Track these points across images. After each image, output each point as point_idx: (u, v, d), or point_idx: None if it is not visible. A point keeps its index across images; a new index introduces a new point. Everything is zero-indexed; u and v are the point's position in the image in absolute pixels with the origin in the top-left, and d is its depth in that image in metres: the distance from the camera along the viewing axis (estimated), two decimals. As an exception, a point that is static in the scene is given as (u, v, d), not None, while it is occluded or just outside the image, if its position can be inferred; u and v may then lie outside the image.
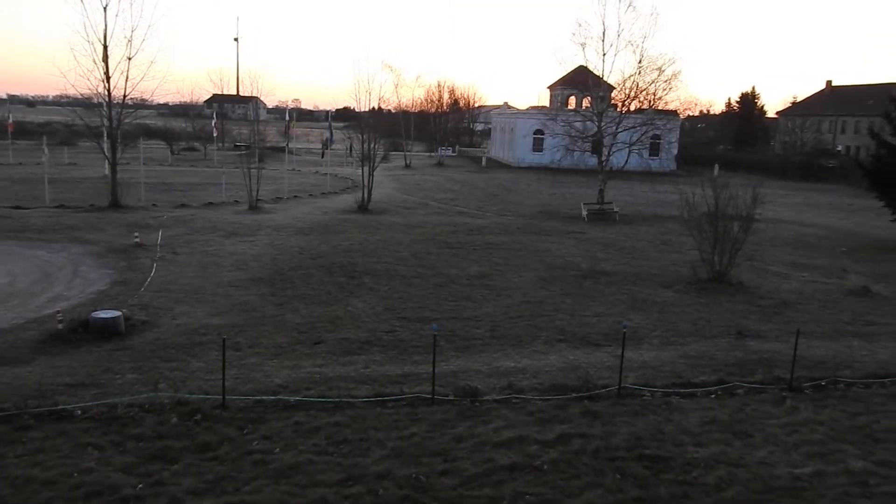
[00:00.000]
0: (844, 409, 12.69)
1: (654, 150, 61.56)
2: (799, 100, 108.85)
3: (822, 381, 13.95)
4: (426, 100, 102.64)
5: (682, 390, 13.25)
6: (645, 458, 10.43)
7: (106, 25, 33.25)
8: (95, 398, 11.95)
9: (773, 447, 10.97)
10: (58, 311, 16.25)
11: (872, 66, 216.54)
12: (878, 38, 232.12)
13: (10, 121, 61.44)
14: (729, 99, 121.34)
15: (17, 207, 33.36)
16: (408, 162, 71.11)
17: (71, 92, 35.26)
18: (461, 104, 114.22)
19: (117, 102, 34.77)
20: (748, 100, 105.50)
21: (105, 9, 33.08)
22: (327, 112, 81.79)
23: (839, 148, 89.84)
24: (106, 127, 36.18)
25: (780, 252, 28.99)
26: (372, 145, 39.92)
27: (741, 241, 22.39)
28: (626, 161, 41.98)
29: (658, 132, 54.12)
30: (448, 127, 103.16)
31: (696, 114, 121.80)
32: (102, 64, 33.61)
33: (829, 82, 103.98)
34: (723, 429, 11.58)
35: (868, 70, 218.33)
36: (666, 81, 42.41)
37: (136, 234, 26.58)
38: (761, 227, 28.42)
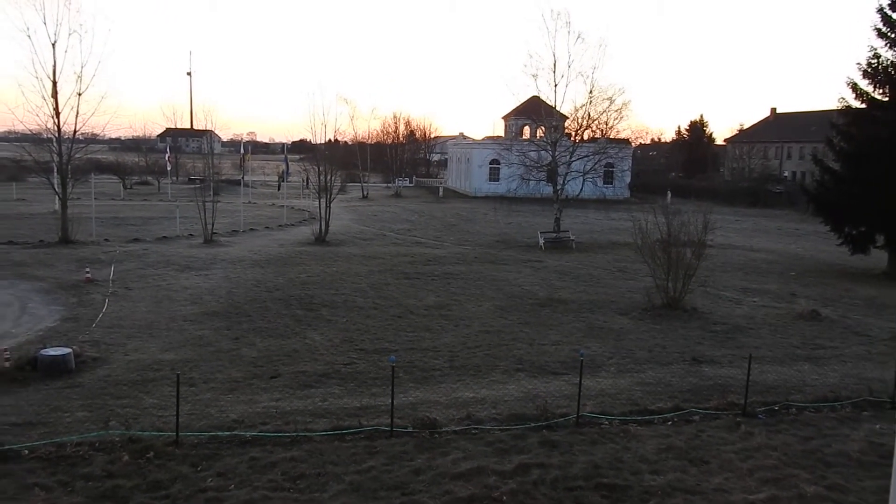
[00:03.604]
0: (796, 433, 12.92)
1: (608, 178, 62.61)
2: (745, 127, 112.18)
3: (775, 406, 14.21)
4: (382, 131, 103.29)
5: (639, 418, 13.38)
6: (603, 487, 10.47)
7: (55, 62, 32.81)
8: (43, 437, 11.59)
9: (729, 473, 11.11)
10: (5, 350, 15.75)
11: (814, 93, 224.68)
12: (818, 66, 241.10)
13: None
14: (679, 127, 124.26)
15: (-38, 243, 32.42)
16: (365, 193, 71.13)
17: (19, 128, 34.66)
18: (417, 135, 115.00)
19: (67, 138, 34.19)
20: (697, 128, 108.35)
21: (54, 46, 32.66)
22: (283, 144, 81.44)
23: (786, 174, 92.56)
24: (56, 162, 35.51)
25: (732, 277, 29.62)
26: (328, 177, 39.91)
27: (694, 268, 22.85)
28: (581, 189, 42.68)
29: (611, 160, 55.09)
30: (404, 158, 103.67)
31: (648, 142, 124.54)
32: (52, 100, 33.11)
33: (773, 110, 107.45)
34: (679, 456, 11.70)
35: (810, 97, 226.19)
36: (617, 111, 43.50)
37: (87, 269, 26.01)
38: (713, 252, 29.09)
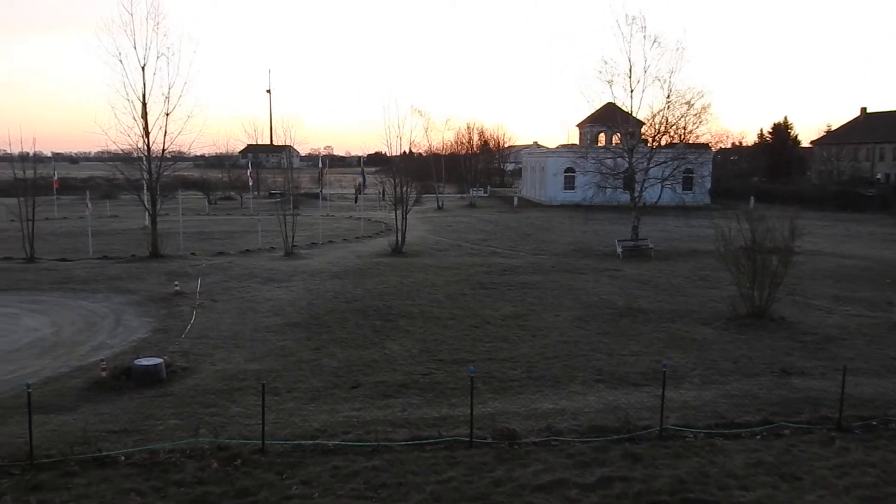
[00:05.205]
0: (897, 448, 12.28)
1: (688, 184, 61.11)
2: (833, 128, 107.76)
3: (873, 421, 13.52)
4: (456, 142, 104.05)
5: (725, 431, 12.96)
6: (688, 502, 10.19)
7: (144, 84, 34.49)
8: (138, 444, 12.11)
9: (824, 491, 10.64)
10: (101, 360, 16.56)
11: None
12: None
13: (55, 177, 63.01)
14: (761, 130, 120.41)
15: (62, 260, 34.28)
16: (440, 204, 71.57)
17: (112, 148, 36.43)
18: (491, 145, 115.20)
19: (156, 156, 35.79)
20: (781, 130, 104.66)
21: (143, 68, 34.37)
22: (359, 157, 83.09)
23: (878, 176, 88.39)
24: (146, 180, 37.25)
25: (822, 285, 28.43)
26: (404, 189, 40.37)
27: (781, 275, 22.02)
28: (660, 196, 41.83)
29: (690, 166, 53.87)
30: (479, 168, 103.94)
31: (729, 146, 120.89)
32: (142, 120, 34.78)
33: (863, 109, 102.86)
34: (769, 471, 11.28)
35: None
36: (695, 115, 42.39)
37: (176, 282, 27.06)
38: (801, 259, 27.96)
